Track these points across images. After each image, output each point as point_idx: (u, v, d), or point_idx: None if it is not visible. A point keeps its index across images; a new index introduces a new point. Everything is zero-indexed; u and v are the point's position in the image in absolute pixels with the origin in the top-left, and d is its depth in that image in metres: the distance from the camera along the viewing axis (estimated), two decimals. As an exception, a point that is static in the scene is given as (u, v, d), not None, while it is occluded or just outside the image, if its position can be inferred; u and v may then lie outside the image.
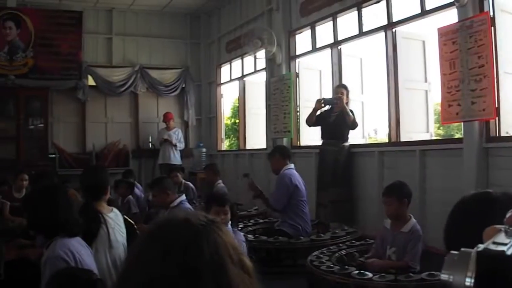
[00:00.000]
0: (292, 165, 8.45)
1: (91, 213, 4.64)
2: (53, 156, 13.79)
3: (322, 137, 9.15)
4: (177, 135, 13.94)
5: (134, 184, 11.07)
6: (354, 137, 9.21)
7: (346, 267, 5.75)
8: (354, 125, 8.70)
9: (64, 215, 3.79)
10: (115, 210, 5.01)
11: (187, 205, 6.66)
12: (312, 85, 11.15)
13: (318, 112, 9.05)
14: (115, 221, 4.81)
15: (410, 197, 5.85)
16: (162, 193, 6.66)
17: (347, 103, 8.77)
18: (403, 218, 5.76)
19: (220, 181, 10.00)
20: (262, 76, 12.72)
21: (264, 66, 12.40)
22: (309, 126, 9.40)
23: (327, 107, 8.98)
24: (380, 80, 9.00)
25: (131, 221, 5.61)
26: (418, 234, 5.68)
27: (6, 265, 5.20)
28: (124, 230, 4.79)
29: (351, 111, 8.71)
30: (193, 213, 1.47)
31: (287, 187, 8.16)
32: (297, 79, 11.26)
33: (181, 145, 13.99)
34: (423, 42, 8.72)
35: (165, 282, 1.31)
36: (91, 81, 14.37)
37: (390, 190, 5.84)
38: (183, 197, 6.85)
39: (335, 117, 8.81)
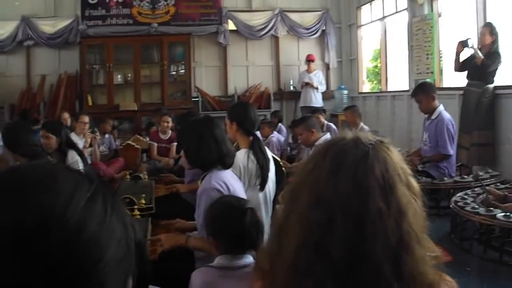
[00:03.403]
0: (442, 106, 8.10)
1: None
2: (196, 99, 14.16)
3: (467, 77, 8.84)
4: (318, 78, 13.87)
5: (278, 125, 11.25)
6: (501, 79, 8.80)
7: (491, 209, 5.60)
8: (486, 67, 8.30)
9: (220, 147, 3.92)
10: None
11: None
12: (455, 25, 10.74)
13: (466, 55, 8.74)
14: (264, 156, 4.86)
15: None
16: (308, 131, 6.67)
17: (492, 43, 8.40)
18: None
19: (362, 123, 9.90)
20: (404, 16, 12.39)
21: (405, 6, 12.10)
22: (456, 71, 9.08)
23: (472, 50, 8.64)
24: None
25: (278, 158, 5.67)
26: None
27: (156, 200, 5.41)
28: (273, 167, 4.83)
29: (496, 52, 8.34)
30: (362, 133, 1.47)
31: (450, 130, 7.81)
32: (440, 19, 10.91)
33: (322, 87, 13.93)
34: None
35: (336, 199, 1.35)
36: (231, 26, 14.55)
37: None
38: (328, 135, 6.84)
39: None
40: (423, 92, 7.84)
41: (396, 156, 1.44)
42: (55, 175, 0.92)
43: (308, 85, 13.63)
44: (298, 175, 1.51)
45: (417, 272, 1.34)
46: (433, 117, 7.75)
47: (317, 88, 13.67)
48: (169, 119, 9.39)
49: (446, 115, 7.69)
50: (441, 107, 7.74)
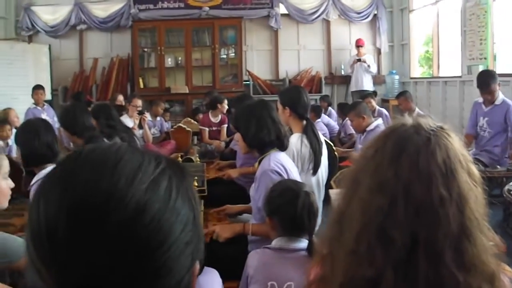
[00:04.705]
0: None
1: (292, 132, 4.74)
2: (247, 83, 14.20)
3: (522, 62, 8.69)
4: (369, 60, 13.78)
5: (328, 108, 11.22)
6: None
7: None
8: None
9: (278, 127, 3.99)
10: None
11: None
12: (511, 10, 10.51)
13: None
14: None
15: None
16: (358, 117, 6.63)
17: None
18: None
19: (417, 108, 9.74)
20: (457, 1, 12.13)
21: (459, -10, 11.85)
22: None
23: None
24: None
25: (330, 142, 5.66)
26: None
27: (208, 183, 5.44)
28: (325, 152, 4.83)
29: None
30: (422, 119, 1.48)
31: None
32: (494, 3, 10.71)
33: (373, 67, 13.82)
34: None
35: (397, 185, 1.35)
36: (282, 9, 14.48)
37: None
38: (380, 120, 6.80)
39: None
40: (495, 81, 7.62)
41: (457, 143, 1.43)
42: (117, 158, 0.93)
43: (360, 62, 13.56)
44: (359, 161, 1.51)
45: (479, 260, 1.34)
46: (497, 103, 7.56)
47: (369, 66, 13.59)
48: (227, 103, 9.42)
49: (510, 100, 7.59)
50: (501, 93, 7.61)
